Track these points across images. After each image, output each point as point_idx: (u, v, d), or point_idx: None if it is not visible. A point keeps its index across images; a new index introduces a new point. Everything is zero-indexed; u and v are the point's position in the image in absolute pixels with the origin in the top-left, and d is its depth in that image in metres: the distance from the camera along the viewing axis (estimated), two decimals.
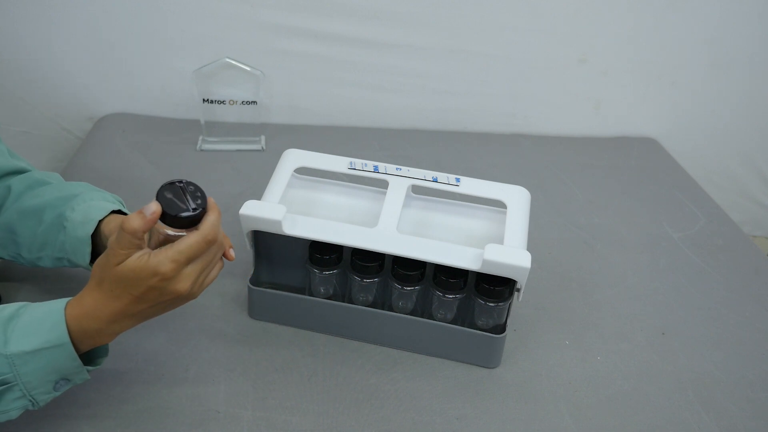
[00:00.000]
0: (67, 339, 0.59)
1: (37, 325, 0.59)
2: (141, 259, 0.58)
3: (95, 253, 0.75)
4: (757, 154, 1.54)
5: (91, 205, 0.75)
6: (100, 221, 0.74)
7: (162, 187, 0.60)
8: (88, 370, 0.63)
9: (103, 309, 0.60)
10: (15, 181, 0.80)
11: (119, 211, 0.77)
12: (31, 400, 0.60)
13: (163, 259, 0.59)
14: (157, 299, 0.61)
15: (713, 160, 1.54)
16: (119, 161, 1.23)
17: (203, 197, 0.62)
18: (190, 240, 0.60)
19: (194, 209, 0.60)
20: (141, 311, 0.62)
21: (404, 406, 0.76)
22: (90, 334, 0.61)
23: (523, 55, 1.38)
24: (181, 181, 0.62)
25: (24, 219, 0.78)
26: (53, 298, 0.84)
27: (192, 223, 0.61)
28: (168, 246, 0.60)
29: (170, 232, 0.61)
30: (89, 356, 0.65)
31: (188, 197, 0.61)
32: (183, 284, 0.60)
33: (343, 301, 0.84)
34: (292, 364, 0.80)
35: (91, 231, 0.73)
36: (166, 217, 0.60)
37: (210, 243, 0.61)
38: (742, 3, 1.35)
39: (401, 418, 0.74)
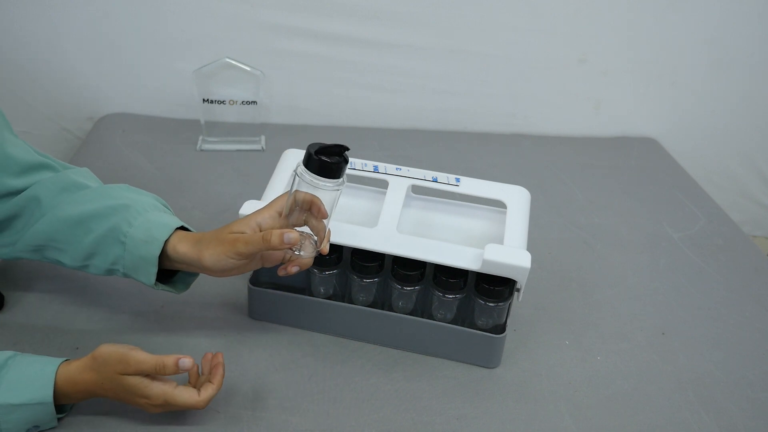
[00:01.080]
0: (51, 399, 0.66)
1: (28, 381, 0.66)
2: (142, 383, 0.66)
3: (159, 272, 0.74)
4: (757, 154, 1.54)
5: (151, 221, 0.74)
6: (166, 241, 0.73)
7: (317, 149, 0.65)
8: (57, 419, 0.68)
9: (89, 388, 0.67)
10: (44, 186, 0.77)
11: (182, 227, 0.76)
12: None
13: (157, 393, 0.67)
14: (133, 401, 0.68)
15: (713, 160, 1.54)
16: (119, 161, 1.23)
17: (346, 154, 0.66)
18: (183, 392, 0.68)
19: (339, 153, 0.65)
20: (118, 398, 0.68)
21: (404, 406, 0.76)
22: (68, 397, 0.68)
23: (523, 55, 1.38)
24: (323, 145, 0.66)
25: (68, 228, 0.75)
26: (59, 300, 0.85)
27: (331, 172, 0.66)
28: (161, 383, 0.67)
29: (312, 179, 0.66)
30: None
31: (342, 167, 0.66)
32: (157, 401, 0.68)
33: (343, 301, 0.84)
34: (292, 364, 0.80)
35: (158, 252, 0.72)
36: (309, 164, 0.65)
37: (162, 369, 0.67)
38: (742, 3, 1.35)
39: (401, 418, 0.74)
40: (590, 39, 1.38)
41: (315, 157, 0.64)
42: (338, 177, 0.66)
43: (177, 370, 0.66)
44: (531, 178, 1.25)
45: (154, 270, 0.72)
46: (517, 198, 0.81)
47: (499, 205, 0.82)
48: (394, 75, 1.39)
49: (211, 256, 0.70)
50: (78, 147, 1.32)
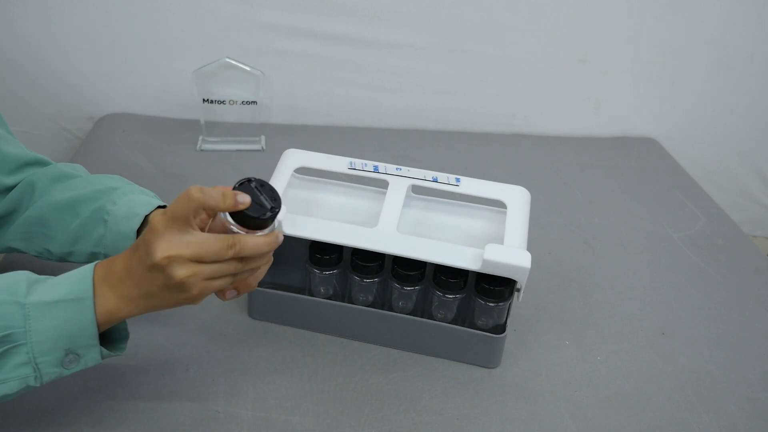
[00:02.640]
0: (90, 294, 0.56)
1: (64, 279, 0.57)
2: (167, 229, 0.56)
3: None
4: (757, 154, 1.54)
5: (133, 200, 0.73)
6: (146, 216, 0.71)
7: (239, 184, 0.61)
8: (102, 354, 0.59)
9: (128, 269, 0.58)
10: (39, 175, 0.77)
11: (163, 207, 0.75)
12: (35, 369, 0.55)
13: (177, 241, 0.56)
14: (158, 280, 0.57)
15: (713, 160, 1.54)
16: (119, 161, 1.22)
17: (278, 199, 0.62)
18: (212, 242, 0.57)
19: (271, 209, 0.61)
20: (141, 275, 0.58)
21: (404, 406, 0.76)
22: (104, 293, 0.58)
23: (523, 55, 1.38)
24: (251, 180, 0.62)
25: (57, 213, 0.74)
26: None
27: (259, 225, 0.61)
28: (192, 231, 0.58)
29: (234, 228, 0.61)
30: (105, 343, 0.62)
31: (265, 197, 0.61)
32: (180, 271, 0.56)
33: (343, 301, 0.84)
34: (292, 364, 0.80)
35: (137, 226, 0.70)
36: (235, 214, 0.60)
37: (229, 250, 0.58)
38: (742, 3, 1.35)
39: (401, 418, 0.74)
40: (590, 39, 1.38)
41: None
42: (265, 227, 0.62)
43: (235, 203, 0.59)
44: (531, 178, 1.25)
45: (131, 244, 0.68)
46: (517, 198, 0.81)
47: (499, 205, 0.82)
48: (394, 75, 1.39)
49: None
50: (78, 147, 1.32)
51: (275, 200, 0.62)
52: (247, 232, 0.61)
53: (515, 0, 1.31)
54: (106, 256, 0.73)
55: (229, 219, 0.60)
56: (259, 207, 0.60)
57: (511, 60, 1.39)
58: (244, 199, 0.59)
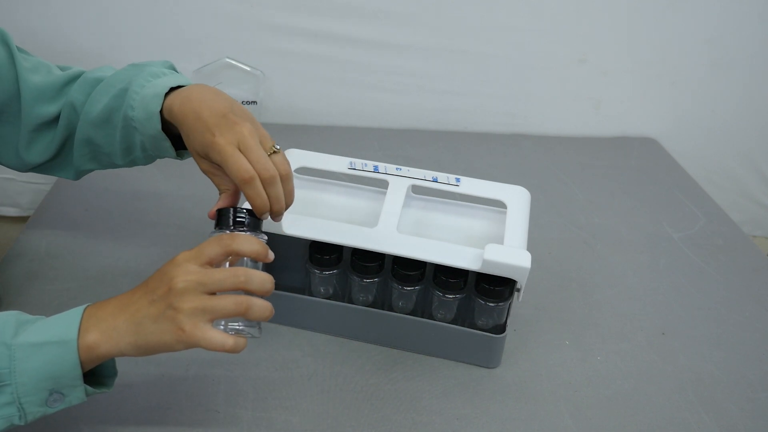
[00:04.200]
0: (74, 336, 0.56)
1: (52, 322, 0.58)
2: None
3: (177, 140, 0.73)
4: (757, 154, 1.54)
5: (145, 96, 0.71)
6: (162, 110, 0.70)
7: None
8: (86, 391, 0.59)
9: (121, 303, 0.58)
10: (74, 93, 0.78)
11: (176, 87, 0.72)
12: (19, 409, 0.55)
13: (184, 252, 0.59)
14: (154, 289, 0.57)
15: (713, 160, 1.54)
16: None
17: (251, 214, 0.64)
18: (212, 242, 0.59)
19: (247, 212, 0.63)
20: (138, 310, 0.57)
21: (404, 406, 0.76)
22: (90, 330, 0.57)
23: (523, 55, 1.38)
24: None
25: (98, 130, 0.76)
26: (57, 301, 0.85)
27: (247, 225, 0.63)
28: None
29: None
30: (91, 381, 0.61)
31: (231, 215, 0.63)
32: (178, 274, 0.56)
33: (343, 301, 0.84)
34: (292, 364, 0.80)
35: (158, 126, 0.70)
36: (220, 220, 0.63)
37: (226, 247, 0.58)
38: (742, 3, 1.35)
39: (401, 418, 0.74)
40: (590, 39, 1.37)
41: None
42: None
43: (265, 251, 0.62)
44: (531, 178, 1.25)
45: (168, 143, 0.72)
46: (517, 198, 0.81)
47: (499, 205, 0.82)
48: (394, 75, 1.38)
49: (190, 129, 0.67)
50: None
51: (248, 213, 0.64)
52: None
53: (515, 0, 1.31)
54: (160, 156, 0.77)
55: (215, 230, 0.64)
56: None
57: (511, 60, 1.39)
58: (271, 255, 0.62)
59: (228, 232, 0.62)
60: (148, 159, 0.79)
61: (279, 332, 0.85)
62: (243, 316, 0.58)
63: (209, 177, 0.69)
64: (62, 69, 0.83)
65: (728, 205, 1.41)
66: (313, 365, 0.80)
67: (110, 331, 0.57)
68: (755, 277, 1.04)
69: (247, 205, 0.65)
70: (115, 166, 0.82)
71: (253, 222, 0.64)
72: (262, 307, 0.58)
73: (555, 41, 1.37)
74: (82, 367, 0.57)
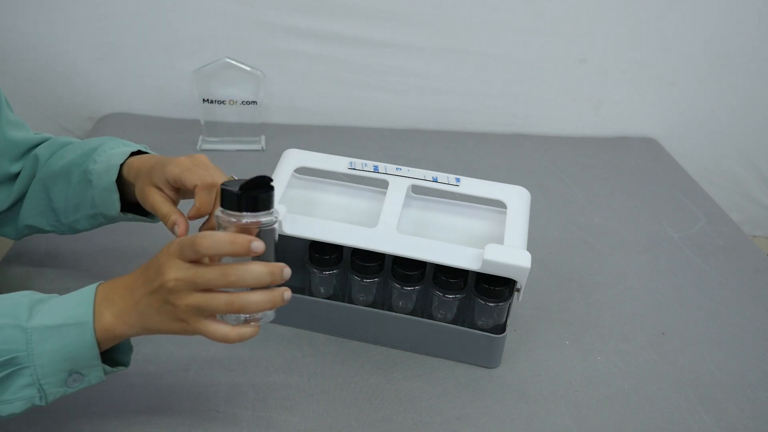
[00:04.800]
0: (90, 318, 0.56)
1: (66, 302, 0.57)
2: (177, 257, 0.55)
3: (125, 201, 0.74)
4: (757, 154, 1.55)
5: (111, 154, 0.74)
6: (123, 164, 0.72)
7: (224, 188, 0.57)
8: (104, 371, 0.59)
9: (131, 287, 0.58)
10: (40, 149, 0.80)
11: (140, 152, 0.75)
12: (39, 390, 0.56)
13: (176, 239, 0.56)
14: (152, 281, 0.56)
15: (713, 160, 1.54)
16: None
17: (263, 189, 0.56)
18: (179, 233, 0.59)
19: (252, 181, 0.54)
20: (141, 297, 0.57)
21: (404, 406, 0.76)
22: (105, 314, 0.57)
23: (523, 55, 1.38)
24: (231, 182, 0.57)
25: (54, 182, 0.77)
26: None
27: (252, 203, 0.55)
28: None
29: (221, 214, 0.56)
30: (108, 361, 0.61)
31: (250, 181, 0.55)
32: (169, 271, 0.54)
33: (343, 301, 0.84)
34: (292, 364, 0.80)
35: (114, 177, 0.71)
36: (224, 200, 0.56)
37: (233, 247, 0.54)
38: (742, 3, 1.35)
39: (401, 418, 0.74)
40: (590, 39, 1.38)
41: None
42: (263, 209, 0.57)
43: (248, 247, 0.54)
44: (531, 178, 1.25)
45: (116, 196, 0.72)
46: (517, 198, 0.81)
47: (499, 205, 0.82)
48: (394, 75, 1.39)
49: (138, 197, 0.70)
50: None
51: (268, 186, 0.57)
52: (244, 218, 0.56)
53: (515, 0, 1.31)
54: (103, 216, 0.76)
55: (222, 212, 0.57)
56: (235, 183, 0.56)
57: (511, 60, 1.39)
58: (258, 247, 0.54)
59: (233, 214, 0.56)
60: (92, 220, 0.78)
61: (279, 332, 0.85)
62: (238, 313, 0.57)
63: (159, 206, 0.68)
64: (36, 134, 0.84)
65: (728, 205, 1.41)
66: (313, 365, 0.80)
67: (122, 315, 0.58)
68: (755, 277, 1.04)
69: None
70: (59, 225, 0.81)
71: (257, 201, 0.56)
72: (258, 302, 0.55)
73: (555, 41, 1.37)
74: (99, 348, 0.57)
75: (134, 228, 1.02)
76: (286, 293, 0.57)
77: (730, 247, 1.11)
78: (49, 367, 0.56)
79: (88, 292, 0.58)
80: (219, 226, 0.57)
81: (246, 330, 0.57)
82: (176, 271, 0.54)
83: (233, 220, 0.56)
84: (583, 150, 1.41)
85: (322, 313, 0.83)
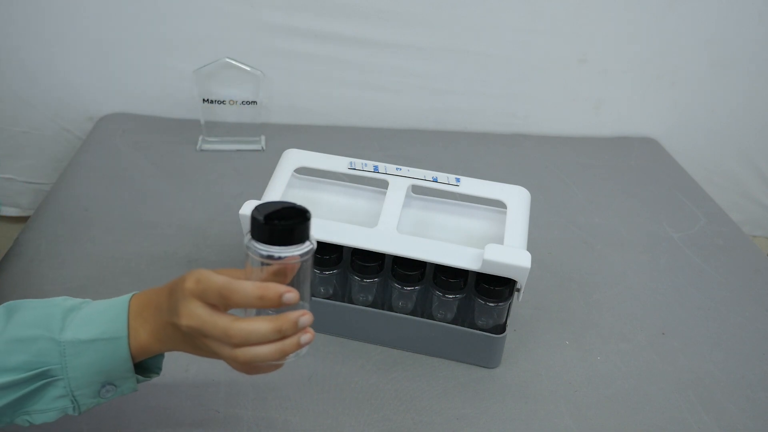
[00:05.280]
0: (125, 333, 0.55)
1: (98, 315, 0.56)
2: (196, 300, 0.53)
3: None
4: (757, 154, 1.54)
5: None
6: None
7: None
8: (137, 380, 0.59)
9: (158, 308, 0.56)
10: None
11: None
12: (72, 401, 0.56)
13: (195, 272, 0.52)
14: (170, 315, 0.54)
15: (713, 160, 1.54)
16: (119, 161, 1.23)
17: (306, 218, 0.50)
18: (217, 278, 0.51)
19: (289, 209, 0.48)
20: (165, 325, 0.55)
21: (404, 406, 0.76)
22: (139, 329, 0.56)
23: (523, 55, 1.38)
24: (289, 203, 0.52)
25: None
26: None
27: (286, 236, 0.48)
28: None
29: (260, 248, 0.50)
30: (141, 370, 0.60)
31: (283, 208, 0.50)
32: (183, 311, 0.52)
33: (343, 301, 0.84)
34: (292, 364, 0.80)
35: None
36: (254, 230, 0.50)
37: (224, 298, 0.51)
38: (742, 3, 1.35)
39: (401, 418, 0.74)
40: (590, 39, 1.38)
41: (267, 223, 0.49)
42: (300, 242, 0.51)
43: (279, 301, 0.50)
44: (531, 178, 1.25)
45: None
46: (517, 198, 0.81)
47: (499, 205, 0.82)
48: (394, 75, 1.39)
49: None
50: (78, 147, 1.32)
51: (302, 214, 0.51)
52: (276, 256, 0.51)
53: (515, 0, 1.31)
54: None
55: (254, 248, 0.51)
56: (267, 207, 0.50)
57: (511, 60, 1.39)
58: (290, 298, 0.51)
59: (260, 247, 0.51)
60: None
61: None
62: (246, 371, 0.55)
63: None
64: None
65: (728, 205, 1.41)
66: (313, 365, 0.80)
67: (156, 333, 0.56)
68: (755, 277, 1.04)
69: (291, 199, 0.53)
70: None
71: (292, 234, 0.50)
72: (265, 356, 0.52)
73: (555, 41, 1.37)
74: (133, 360, 0.57)
75: (134, 229, 1.02)
76: (304, 338, 0.54)
77: (730, 247, 1.11)
78: (83, 380, 0.56)
79: (121, 305, 0.57)
80: (247, 257, 0.53)
81: (265, 369, 0.56)
82: (188, 318, 0.52)
83: (264, 253, 0.51)
84: (583, 150, 1.41)
85: (322, 313, 0.83)
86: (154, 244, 0.99)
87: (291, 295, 0.51)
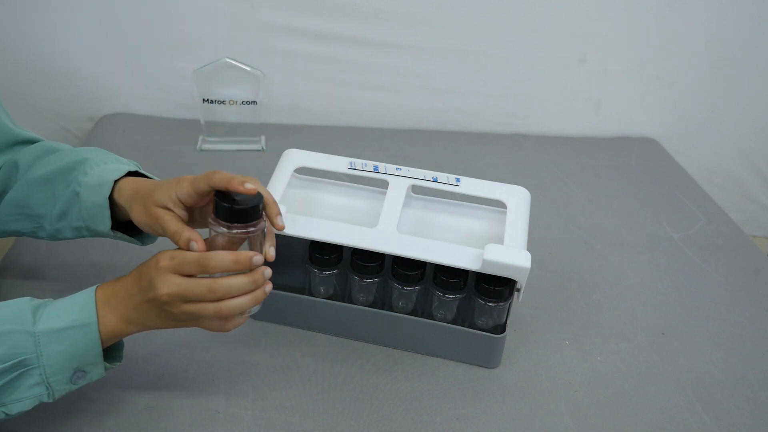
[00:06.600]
0: (95, 319, 0.60)
1: (68, 306, 0.61)
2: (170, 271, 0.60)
3: (115, 220, 0.72)
4: (757, 154, 1.54)
5: (105, 168, 0.72)
6: (116, 182, 0.70)
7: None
8: (105, 367, 0.63)
9: (123, 286, 0.62)
10: (23, 154, 0.77)
11: (137, 173, 0.74)
12: (47, 388, 0.60)
13: (167, 252, 0.60)
14: (146, 293, 0.60)
15: (713, 160, 1.54)
16: None
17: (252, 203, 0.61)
18: (191, 252, 0.60)
19: (245, 202, 0.60)
20: (139, 304, 0.61)
21: (404, 406, 0.76)
22: (107, 317, 0.61)
23: (523, 55, 1.38)
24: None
25: (35, 190, 0.74)
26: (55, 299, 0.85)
27: (243, 217, 0.60)
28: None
29: (215, 227, 0.61)
30: (106, 357, 0.64)
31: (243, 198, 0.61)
32: (162, 287, 0.59)
33: (343, 301, 0.84)
34: (292, 364, 0.80)
35: (108, 193, 0.69)
36: (217, 212, 0.61)
37: (201, 266, 0.59)
38: (742, 3, 1.35)
39: (401, 418, 0.74)
40: (590, 39, 1.38)
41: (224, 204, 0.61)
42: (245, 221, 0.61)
43: (250, 263, 0.60)
44: (531, 178, 1.25)
45: (107, 213, 0.70)
46: (517, 198, 0.81)
47: (499, 205, 0.82)
48: (394, 75, 1.39)
49: (137, 218, 0.68)
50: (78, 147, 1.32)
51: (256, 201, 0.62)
52: (235, 227, 0.61)
53: (515, 0, 1.31)
54: (88, 229, 0.74)
55: (214, 220, 0.62)
56: (231, 197, 0.61)
57: (511, 60, 1.39)
58: (258, 260, 0.61)
59: (224, 225, 0.61)
60: (76, 232, 0.75)
61: (279, 332, 0.85)
62: (223, 326, 0.63)
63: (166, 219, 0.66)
64: (23, 130, 0.81)
65: (728, 205, 1.41)
66: (313, 365, 0.80)
67: (125, 317, 0.62)
68: (755, 277, 1.04)
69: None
70: (39, 230, 0.77)
71: (247, 215, 0.61)
72: (244, 305, 0.61)
73: (555, 41, 1.37)
74: (102, 347, 0.61)
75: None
76: (267, 287, 0.63)
77: (730, 247, 1.11)
78: (57, 366, 0.59)
79: (87, 295, 0.62)
80: (211, 232, 0.63)
81: (238, 320, 0.64)
82: (168, 287, 0.59)
83: (225, 230, 0.61)
84: (583, 150, 1.41)
85: (322, 313, 0.83)
86: (155, 244, 0.98)
87: (259, 257, 0.61)
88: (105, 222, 0.71)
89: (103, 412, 0.71)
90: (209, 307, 0.60)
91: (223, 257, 0.59)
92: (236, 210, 0.60)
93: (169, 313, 0.61)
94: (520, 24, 1.34)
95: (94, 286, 0.63)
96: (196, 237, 0.62)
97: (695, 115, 1.49)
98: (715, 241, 1.13)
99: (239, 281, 0.60)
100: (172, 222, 0.64)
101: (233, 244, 0.62)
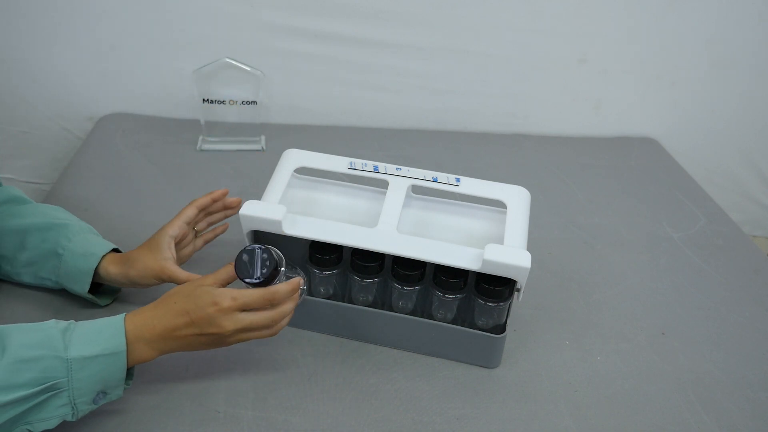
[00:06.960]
0: (124, 348, 0.65)
1: (97, 333, 0.65)
2: (209, 287, 0.68)
3: (93, 284, 0.82)
4: (757, 154, 1.54)
5: (88, 239, 0.83)
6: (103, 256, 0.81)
7: (243, 249, 0.69)
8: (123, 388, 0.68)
9: (160, 322, 0.67)
10: None
11: (115, 250, 0.84)
12: (73, 408, 0.63)
13: (226, 293, 0.67)
14: (203, 329, 0.67)
15: (713, 160, 1.54)
16: (119, 161, 1.23)
17: (271, 265, 0.69)
18: (253, 291, 0.68)
19: (257, 278, 0.68)
20: (186, 336, 0.67)
21: (404, 406, 0.76)
22: (140, 347, 0.66)
23: (523, 55, 1.38)
24: (261, 247, 0.69)
25: (4, 235, 0.83)
26: (53, 309, 0.85)
27: (259, 284, 0.69)
28: (232, 287, 0.69)
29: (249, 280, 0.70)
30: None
31: (258, 264, 0.69)
32: (228, 324, 0.67)
33: (343, 301, 0.84)
34: (292, 364, 0.80)
35: (95, 265, 0.80)
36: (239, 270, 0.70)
37: (268, 302, 0.68)
38: (742, 3, 1.35)
39: (401, 418, 0.74)
40: (590, 39, 1.38)
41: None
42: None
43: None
44: (531, 178, 1.25)
45: (89, 280, 0.80)
46: (517, 198, 0.81)
47: (499, 205, 0.82)
48: (394, 75, 1.39)
49: (138, 276, 0.79)
50: (78, 147, 1.32)
51: (266, 269, 0.69)
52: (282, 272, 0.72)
53: (515, 0, 1.31)
54: (58, 284, 0.83)
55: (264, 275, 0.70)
56: (247, 270, 0.69)
57: (511, 60, 1.39)
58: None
59: (255, 280, 0.69)
60: (38, 281, 0.85)
61: (279, 332, 0.84)
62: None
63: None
64: None
65: (728, 205, 1.41)
66: (313, 365, 0.80)
67: (160, 348, 0.68)
68: (755, 277, 1.04)
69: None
70: None
71: (276, 268, 0.70)
72: (287, 322, 0.73)
73: (555, 41, 1.37)
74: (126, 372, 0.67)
75: (134, 228, 1.02)
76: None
77: (730, 247, 1.11)
78: (84, 390, 0.64)
79: (117, 324, 0.66)
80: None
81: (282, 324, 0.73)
82: (234, 324, 0.67)
83: (283, 278, 0.72)
84: (583, 150, 1.41)
85: (322, 313, 0.83)
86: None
87: (301, 279, 0.73)
88: (84, 286, 0.81)
89: (103, 412, 0.71)
90: (266, 332, 0.70)
91: (285, 289, 0.69)
92: (279, 257, 0.71)
93: (222, 342, 0.69)
94: (520, 24, 1.34)
95: (122, 315, 0.67)
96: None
97: (695, 115, 1.49)
98: (715, 241, 1.13)
99: (290, 306, 0.71)
100: (180, 273, 0.78)
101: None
